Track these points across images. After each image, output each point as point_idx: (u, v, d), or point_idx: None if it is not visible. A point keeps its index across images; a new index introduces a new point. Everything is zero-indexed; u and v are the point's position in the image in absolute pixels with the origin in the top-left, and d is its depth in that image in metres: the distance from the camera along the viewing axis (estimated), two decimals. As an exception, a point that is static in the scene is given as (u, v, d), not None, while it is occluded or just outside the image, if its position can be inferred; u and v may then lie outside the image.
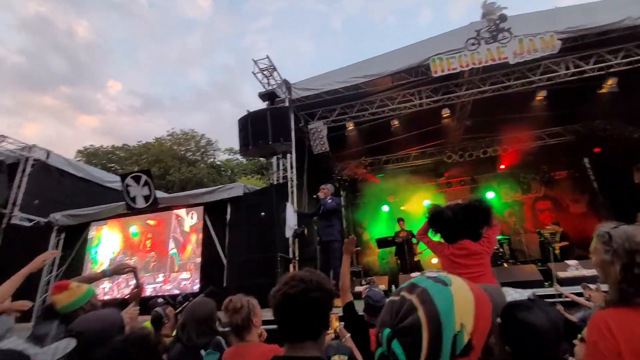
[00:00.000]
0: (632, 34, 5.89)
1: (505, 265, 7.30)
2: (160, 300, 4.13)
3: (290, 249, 6.29)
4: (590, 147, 9.10)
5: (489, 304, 0.69)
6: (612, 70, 6.28)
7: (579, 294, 3.63)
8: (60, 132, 58.89)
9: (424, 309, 0.64)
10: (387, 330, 0.65)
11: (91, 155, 22.81)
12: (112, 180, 9.82)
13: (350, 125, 7.55)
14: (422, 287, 0.69)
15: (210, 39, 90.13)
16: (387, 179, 10.41)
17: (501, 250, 8.17)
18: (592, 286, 3.31)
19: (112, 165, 22.70)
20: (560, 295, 3.96)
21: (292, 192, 6.70)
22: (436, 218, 2.37)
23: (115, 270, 2.48)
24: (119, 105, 66.11)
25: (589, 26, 5.72)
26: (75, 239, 7.92)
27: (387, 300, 0.75)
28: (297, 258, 6.36)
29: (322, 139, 7.04)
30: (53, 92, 57.49)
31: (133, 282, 2.81)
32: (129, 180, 7.23)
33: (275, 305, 1.06)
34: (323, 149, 7.09)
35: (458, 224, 2.25)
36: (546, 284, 5.16)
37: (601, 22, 5.66)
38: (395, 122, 7.59)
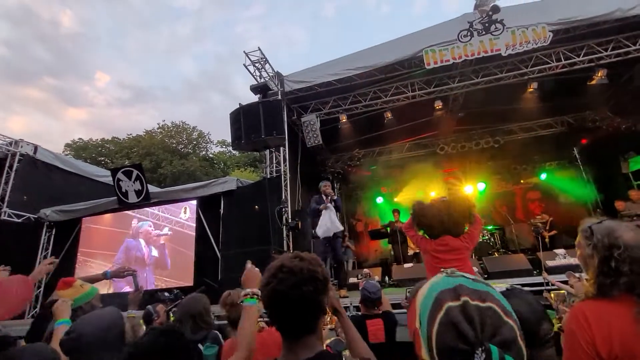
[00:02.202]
0: (622, 26, 5.93)
1: (496, 254, 7.45)
2: (166, 294, 4.12)
3: (285, 242, 6.32)
4: (580, 137, 9.25)
5: None
6: (601, 62, 6.33)
7: (566, 282, 3.74)
8: (48, 126, 57.64)
9: (510, 318, 0.61)
10: (495, 348, 0.56)
11: (80, 149, 22.39)
12: (102, 175, 9.69)
13: (343, 118, 7.52)
14: (485, 291, 0.64)
15: (201, 27, 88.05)
16: (380, 171, 10.45)
17: (492, 239, 8.33)
18: (577, 275, 3.40)
19: (102, 158, 22.37)
20: (548, 283, 4.09)
21: (286, 185, 6.70)
22: (420, 215, 2.42)
23: (116, 273, 2.51)
24: (108, 97, 64.64)
25: (580, 17, 5.73)
26: (67, 235, 7.83)
27: (446, 306, 0.62)
28: (292, 251, 6.39)
29: (315, 131, 7.02)
30: (39, 84, 55.80)
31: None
32: (120, 175, 7.15)
33: (265, 302, 0.97)
34: (316, 141, 7.07)
35: (441, 221, 2.30)
36: (535, 272, 5.30)
37: (592, 14, 5.68)
38: (389, 114, 7.58)
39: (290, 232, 6.38)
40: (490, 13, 5.93)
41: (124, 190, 7.15)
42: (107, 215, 7.66)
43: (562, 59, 6.38)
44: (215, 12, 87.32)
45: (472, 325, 0.59)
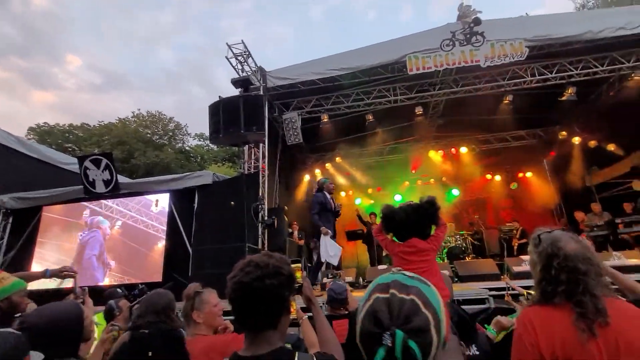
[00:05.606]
0: (592, 47, 6.27)
1: (467, 259, 7.68)
2: (119, 290, 3.93)
3: (260, 240, 6.21)
4: (549, 150, 9.72)
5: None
6: (572, 80, 6.67)
7: (530, 287, 3.89)
8: (11, 108, 53.99)
9: (428, 310, 0.68)
10: (400, 332, 0.63)
11: (45, 134, 21.11)
12: (68, 162, 9.15)
13: (325, 117, 7.50)
14: (414, 287, 0.72)
15: (184, 17, 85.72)
16: (359, 172, 10.53)
17: (464, 245, 8.59)
18: None
19: (69, 145, 21.19)
20: (509, 288, 4.25)
21: (264, 182, 6.58)
22: (389, 219, 2.46)
23: (55, 273, 2.35)
24: (79, 81, 61.53)
25: (554, 36, 6.01)
26: (25, 224, 7.33)
27: (374, 297, 0.72)
28: (266, 249, 6.29)
29: (296, 129, 6.95)
30: (3, 63, 52.30)
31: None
32: (87, 164, 6.77)
33: (229, 294, 0.97)
34: (297, 140, 7.01)
35: (409, 224, 2.35)
36: (502, 277, 5.49)
37: (566, 33, 5.97)
38: (370, 117, 7.64)
39: (266, 230, 6.27)
40: (472, 25, 6.09)
41: (91, 179, 6.77)
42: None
43: (537, 74, 6.66)
44: (200, 3, 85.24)
45: (391, 314, 0.67)
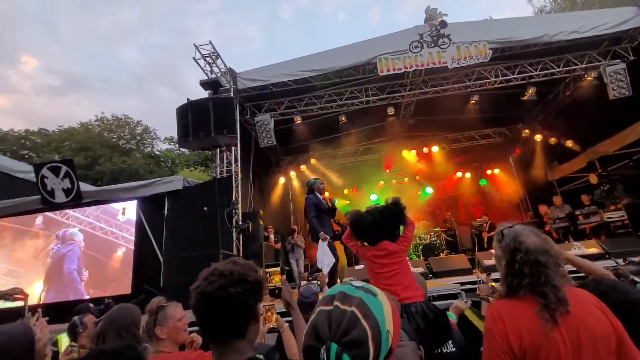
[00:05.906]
0: (549, 50, 6.64)
1: (442, 255, 7.89)
2: (91, 305, 3.68)
3: (234, 245, 6.06)
4: (514, 148, 10.20)
5: (397, 310, 0.77)
6: (532, 80, 7.02)
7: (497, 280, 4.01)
8: (-42, 112, 49.61)
9: (367, 322, 0.67)
10: (334, 345, 0.63)
11: (-2, 141, 19.60)
12: (24, 170, 8.48)
13: (298, 119, 7.45)
14: (357, 297, 0.71)
15: (148, 15, 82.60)
16: (334, 173, 10.56)
17: (438, 241, 8.82)
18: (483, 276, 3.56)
19: (26, 152, 19.79)
20: (481, 281, 4.38)
21: (237, 186, 6.44)
22: (356, 224, 2.43)
23: (3, 295, 2.16)
24: (35, 83, 57.56)
25: (514, 39, 6.30)
26: (-26, 239, 6.73)
27: (318, 310, 0.72)
28: (242, 255, 6.15)
29: (269, 132, 6.84)
30: (-53, 64, 48.06)
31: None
32: (45, 172, 6.33)
33: (192, 305, 0.95)
34: (270, 142, 6.90)
35: (376, 227, 2.34)
36: (474, 270, 5.69)
37: (525, 37, 6.27)
38: (343, 118, 7.68)
39: (241, 235, 6.13)
40: (439, 27, 6.27)
41: (49, 188, 6.33)
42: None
43: (500, 75, 6.96)
44: (165, 2, 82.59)
45: (330, 327, 0.67)
